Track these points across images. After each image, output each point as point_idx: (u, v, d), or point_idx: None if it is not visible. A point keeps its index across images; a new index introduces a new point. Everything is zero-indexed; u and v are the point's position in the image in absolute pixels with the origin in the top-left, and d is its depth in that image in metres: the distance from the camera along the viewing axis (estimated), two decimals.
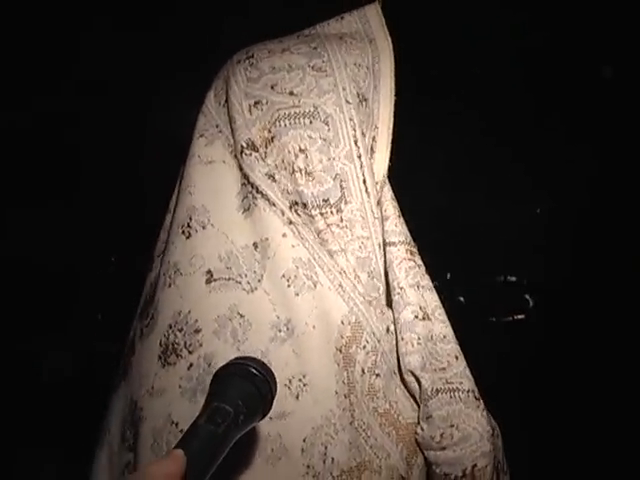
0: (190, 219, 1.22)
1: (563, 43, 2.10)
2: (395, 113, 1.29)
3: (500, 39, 2.03)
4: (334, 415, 1.13)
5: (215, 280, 1.18)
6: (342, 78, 1.26)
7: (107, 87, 2.09)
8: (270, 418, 1.10)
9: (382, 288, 1.24)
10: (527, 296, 2.23)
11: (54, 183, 2.17)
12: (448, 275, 2.03)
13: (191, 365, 1.14)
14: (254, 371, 0.98)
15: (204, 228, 1.21)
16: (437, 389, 1.18)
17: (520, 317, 2.25)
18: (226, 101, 1.27)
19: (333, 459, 1.11)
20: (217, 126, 1.28)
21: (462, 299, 2.07)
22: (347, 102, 1.24)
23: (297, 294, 1.17)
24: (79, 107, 2.11)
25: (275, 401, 1.04)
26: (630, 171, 2.15)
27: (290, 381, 1.13)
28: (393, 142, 1.29)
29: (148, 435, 1.12)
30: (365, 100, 1.27)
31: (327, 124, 1.22)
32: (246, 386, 0.97)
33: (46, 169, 2.19)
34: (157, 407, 1.13)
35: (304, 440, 1.11)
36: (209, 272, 1.18)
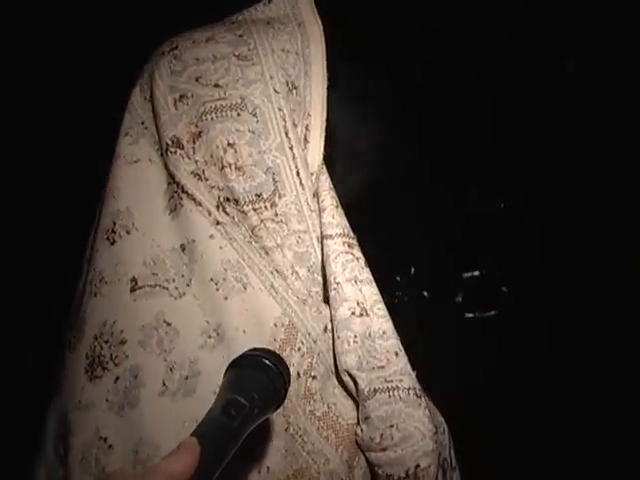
0: (114, 224, 1.17)
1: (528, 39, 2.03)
2: (329, 100, 1.23)
3: (446, 27, 1.96)
4: (268, 422, 1.10)
5: (140, 288, 1.14)
6: (269, 66, 1.20)
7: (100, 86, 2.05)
8: None
9: (322, 283, 1.20)
10: (504, 288, 2.19)
11: (35, 180, 2.14)
12: (412, 270, 1.98)
13: (117, 378, 1.10)
14: (269, 363, 0.96)
15: (128, 233, 1.17)
16: (375, 389, 1.14)
17: (490, 313, 2.21)
18: (151, 96, 1.22)
19: (269, 468, 1.08)
20: (142, 123, 1.23)
21: (426, 294, 2.02)
22: (275, 91, 1.18)
23: (226, 298, 1.12)
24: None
25: (205, 411, 1.01)
26: (598, 164, 2.10)
27: None
28: (330, 130, 1.23)
29: (77, 450, 1.09)
30: (295, 88, 1.21)
31: (255, 116, 1.17)
32: (261, 379, 0.95)
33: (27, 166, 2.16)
34: (85, 422, 1.10)
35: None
36: (133, 279, 1.14)
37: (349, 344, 1.15)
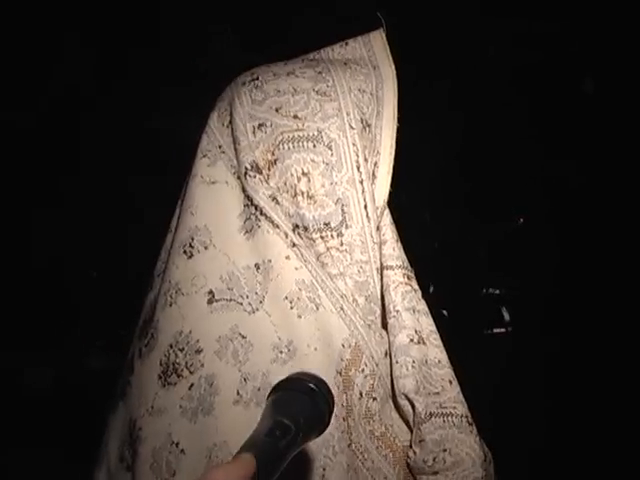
0: (192, 239, 1.23)
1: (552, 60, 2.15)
2: (397, 139, 1.31)
3: (498, 62, 2.07)
4: (333, 437, 1.14)
5: (217, 301, 1.18)
6: (346, 103, 1.27)
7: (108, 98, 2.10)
8: None
9: (379, 312, 1.26)
10: (503, 309, 2.27)
11: (41, 197, 2.17)
12: (431, 288, 2.05)
13: (192, 385, 1.14)
14: (315, 388, 0.98)
15: (206, 248, 1.22)
16: (430, 413, 1.19)
17: (502, 330, 2.28)
18: (230, 122, 1.28)
19: None
20: (220, 147, 1.28)
21: (445, 312, 2.09)
22: (351, 127, 1.26)
23: (300, 316, 1.18)
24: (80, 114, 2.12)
25: None
26: (612, 182, 2.20)
27: None
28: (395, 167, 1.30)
29: (148, 455, 1.12)
30: (368, 126, 1.28)
31: (330, 148, 1.24)
32: (307, 403, 0.97)
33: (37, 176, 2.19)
34: (157, 427, 1.14)
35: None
36: (210, 292, 1.19)
37: (407, 369, 1.21)
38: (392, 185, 1.29)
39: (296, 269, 1.20)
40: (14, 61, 2.19)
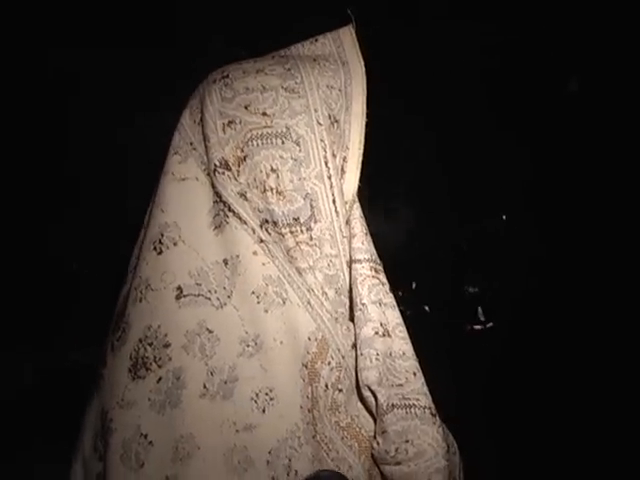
0: (161, 235, 1.25)
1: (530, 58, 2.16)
2: (366, 134, 1.33)
3: (469, 61, 2.08)
4: (299, 429, 1.17)
5: (185, 296, 1.21)
6: (314, 100, 1.29)
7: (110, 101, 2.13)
8: (237, 430, 1.15)
9: (348, 304, 1.29)
10: (479, 309, 2.29)
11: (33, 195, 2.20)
12: (413, 284, 2.08)
13: (160, 379, 1.18)
14: None
15: (175, 244, 1.24)
16: (393, 404, 1.22)
17: (488, 325, 2.31)
18: (201, 119, 1.30)
19: (297, 472, 1.16)
20: (191, 144, 1.31)
21: (427, 308, 2.11)
22: (318, 123, 1.28)
23: (266, 310, 1.21)
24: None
25: (241, 414, 1.11)
26: (596, 181, 2.22)
27: (257, 395, 1.18)
28: (363, 162, 1.32)
29: (118, 446, 1.16)
30: (337, 122, 1.30)
31: (298, 145, 1.26)
32: None
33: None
34: (127, 419, 1.17)
35: (269, 452, 1.15)
36: (179, 288, 1.22)
37: (371, 361, 1.24)
38: (361, 180, 1.32)
39: (263, 264, 1.23)
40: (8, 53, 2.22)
